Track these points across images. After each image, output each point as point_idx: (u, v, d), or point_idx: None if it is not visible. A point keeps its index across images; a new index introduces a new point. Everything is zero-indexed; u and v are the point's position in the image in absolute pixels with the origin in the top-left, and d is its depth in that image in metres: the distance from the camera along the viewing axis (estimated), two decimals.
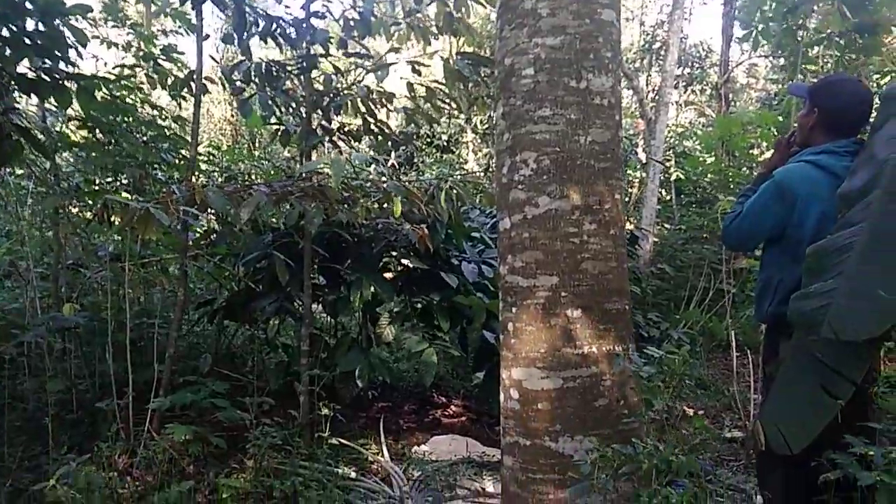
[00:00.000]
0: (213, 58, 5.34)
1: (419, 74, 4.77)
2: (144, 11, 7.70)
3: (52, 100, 3.94)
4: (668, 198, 11.09)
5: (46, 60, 3.76)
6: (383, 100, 4.71)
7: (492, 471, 4.13)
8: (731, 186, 8.15)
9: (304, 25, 4.45)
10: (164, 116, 5.47)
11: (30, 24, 3.61)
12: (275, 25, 4.49)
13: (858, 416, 2.14)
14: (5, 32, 3.52)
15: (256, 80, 4.54)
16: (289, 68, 4.60)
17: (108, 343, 4.07)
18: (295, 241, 4.52)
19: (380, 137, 4.96)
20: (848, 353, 2.10)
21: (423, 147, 13.91)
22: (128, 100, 5.02)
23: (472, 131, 14.83)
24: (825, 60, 6.64)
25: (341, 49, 4.66)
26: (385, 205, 4.42)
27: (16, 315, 4.92)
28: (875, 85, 7.18)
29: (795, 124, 2.76)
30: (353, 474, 4.00)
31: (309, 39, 4.46)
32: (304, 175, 4.26)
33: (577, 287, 2.62)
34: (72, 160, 5.53)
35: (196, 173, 5.03)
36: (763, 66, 15.94)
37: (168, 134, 5.15)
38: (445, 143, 14.44)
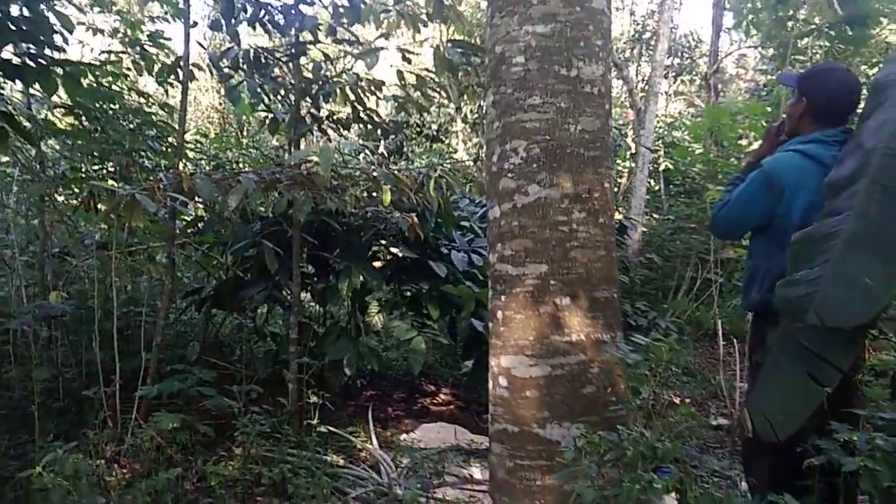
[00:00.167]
0: (200, 44, 5.28)
1: (409, 62, 4.74)
2: None
3: (37, 86, 3.89)
4: (657, 188, 11.12)
5: (32, 46, 3.71)
6: (373, 88, 4.69)
7: (480, 458, 4.15)
8: (720, 176, 8.18)
9: (293, 12, 4.42)
10: (150, 103, 5.42)
11: (15, 10, 3.56)
12: (263, 12, 4.45)
13: (844, 403, 2.17)
14: None
15: (245, 66, 4.50)
16: (277, 55, 4.57)
17: (94, 331, 4.05)
18: (283, 229, 4.50)
19: (369, 126, 4.95)
20: (835, 340, 2.12)
21: (413, 136, 13.86)
22: (114, 87, 4.98)
23: (462, 121, 14.79)
24: (814, 51, 6.67)
25: (330, 36, 4.63)
26: (374, 193, 4.41)
27: (1, 303, 4.89)
28: (864, 76, 7.22)
29: (784, 115, 2.77)
30: (342, 462, 4.00)
31: (298, 26, 4.42)
32: (292, 163, 4.24)
33: (565, 275, 2.62)
34: (57, 147, 5.48)
35: (183, 161, 4.99)
36: (752, 56, 15.99)
37: (155, 121, 5.10)
38: (435, 133, 14.39)
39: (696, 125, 10.32)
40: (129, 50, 5.00)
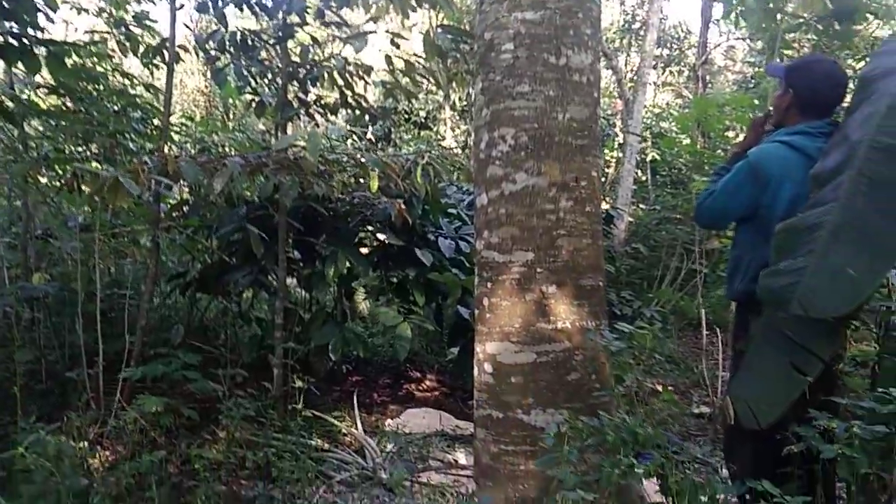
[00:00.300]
0: (186, 26, 5.23)
1: (398, 48, 4.72)
2: None
3: (20, 65, 3.83)
4: (644, 178, 11.16)
5: (15, 25, 3.65)
6: (361, 72, 4.66)
7: (464, 443, 4.17)
8: (706, 168, 8.22)
9: None
10: (135, 85, 5.36)
11: None
12: None
13: (825, 392, 2.19)
14: None
15: (231, 49, 4.46)
16: (265, 38, 4.53)
17: (77, 313, 4.02)
18: (269, 214, 4.48)
19: (357, 111, 4.92)
20: (817, 330, 2.15)
21: (401, 123, 13.80)
22: (98, 67, 4.91)
23: (451, 108, 14.74)
24: (802, 45, 6.69)
25: (319, 19, 4.59)
26: (361, 179, 4.39)
27: None
28: (852, 70, 7.26)
29: (771, 107, 2.79)
30: (327, 446, 4.01)
31: (285, 9, 4.38)
32: (279, 148, 4.22)
33: (552, 263, 2.63)
34: (41, 128, 5.41)
35: (168, 144, 4.95)
36: (741, 48, 16.03)
37: (140, 103, 5.05)
38: (423, 120, 14.33)
39: (683, 116, 10.35)
40: (114, 30, 4.92)
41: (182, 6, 4.44)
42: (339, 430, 4.30)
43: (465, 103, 13.37)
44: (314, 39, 4.75)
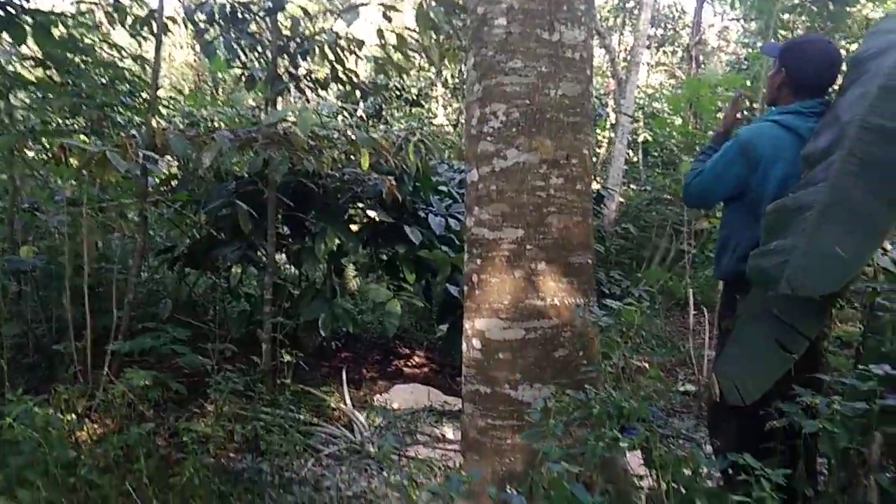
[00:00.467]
0: None
1: (390, 21, 4.67)
2: None
3: (5, 36, 3.77)
4: (636, 159, 11.17)
5: None
6: (352, 47, 4.61)
7: (452, 418, 4.21)
8: (696, 149, 8.23)
9: None
10: (123, 57, 5.29)
11: None
12: None
13: (810, 370, 2.22)
14: None
15: (221, 21, 4.40)
16: (254, 10, 4.47)
17: (64, 287, 4.00)
18: (259, 189, 4.45)
19: (348, 87, 4.88)
20: (805, 309, 2.17)
21: (393, 100, 13.71)
22: (86, 39, 4.84)
23: (443, 85, 14.65)
24: (796, 26, 6.68)
25: None
26: (352, 156, 4.36)
27: None
28: (845, 51, 7.26)
29: (765, 89, 2.79)
30: (315, 420, 4.03)
31: None
32: (269, 122, 4.18)
33: (541, 240, 2.63)
34: (27, 100, 5.34)
35: (156, 117, 4.90)
36: (735, 29, 15.99)
37: (128, 76, 4.98)
38: (415, 97, 14.24)
39: (675, 97, 10.34)
40: (102, 1, 4.85)
41: None
42: (328, 405, 4.32)
43: (457, 80, 13.30)
44: (305, 12, 4.69)
